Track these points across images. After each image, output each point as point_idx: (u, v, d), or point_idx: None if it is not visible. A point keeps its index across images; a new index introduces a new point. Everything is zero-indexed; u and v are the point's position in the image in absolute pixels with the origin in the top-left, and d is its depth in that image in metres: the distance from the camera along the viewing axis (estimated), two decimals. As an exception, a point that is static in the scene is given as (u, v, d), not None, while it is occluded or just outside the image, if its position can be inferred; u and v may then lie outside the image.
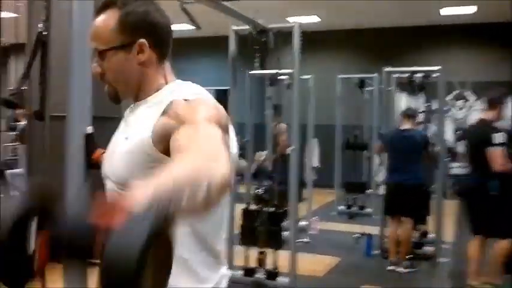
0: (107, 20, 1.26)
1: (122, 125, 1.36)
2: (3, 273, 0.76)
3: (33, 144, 2.82)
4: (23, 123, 6.13)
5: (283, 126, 6.65)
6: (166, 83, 1.30)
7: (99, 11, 1.29)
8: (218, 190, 0.86)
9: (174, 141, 1.06)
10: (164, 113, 1.17)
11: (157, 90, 1.28)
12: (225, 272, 1.33)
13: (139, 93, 1.30)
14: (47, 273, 0.80)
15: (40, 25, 2.24)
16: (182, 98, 1.18)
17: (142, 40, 1.24)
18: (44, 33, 2.18)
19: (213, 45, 11.55)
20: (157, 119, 1.17)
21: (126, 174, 1.21)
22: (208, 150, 0.93)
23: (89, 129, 2.13)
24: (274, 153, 6.60)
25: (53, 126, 2.27)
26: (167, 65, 1.32)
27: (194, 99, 1.17)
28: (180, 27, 11.43)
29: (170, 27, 1.32)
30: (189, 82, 1.31)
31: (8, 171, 6.28)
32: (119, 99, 1.31)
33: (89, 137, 2.12)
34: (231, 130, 1.21)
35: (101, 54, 1.26)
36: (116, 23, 1.25)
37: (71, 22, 2.02)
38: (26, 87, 2.34)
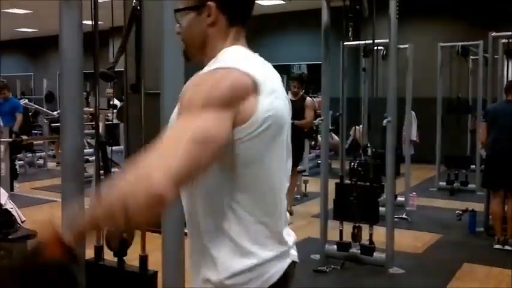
0: None
1: None
2: None
3: (131, 121, 2.95)
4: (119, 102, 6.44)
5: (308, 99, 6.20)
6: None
7: None
8: (139, 210, 1.01)
9: None
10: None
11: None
12: (281, 250, 1.25)
13: (204, 57, 1.30)
14: None
15: (135, 1, 2.30)
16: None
17: (210, 2, 1.24)
18: (137, 8, 2.23)
19: (305, 18, 11.40)
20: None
21: None
22: (149, 166, 1.04)
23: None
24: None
25: (148, 101, 2.33)
26: (237, 30, 1.29)
27: (203, 77, 1.17)
28: (270, 2, 11.50)
29: None
30: (237, 50, 1.27)
31: (109, 148, 6.62)
32: (188, 58, 1.35)
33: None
34: (265, 90, 1.17)
35: (177, 13, 1.30)
36: None
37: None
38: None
